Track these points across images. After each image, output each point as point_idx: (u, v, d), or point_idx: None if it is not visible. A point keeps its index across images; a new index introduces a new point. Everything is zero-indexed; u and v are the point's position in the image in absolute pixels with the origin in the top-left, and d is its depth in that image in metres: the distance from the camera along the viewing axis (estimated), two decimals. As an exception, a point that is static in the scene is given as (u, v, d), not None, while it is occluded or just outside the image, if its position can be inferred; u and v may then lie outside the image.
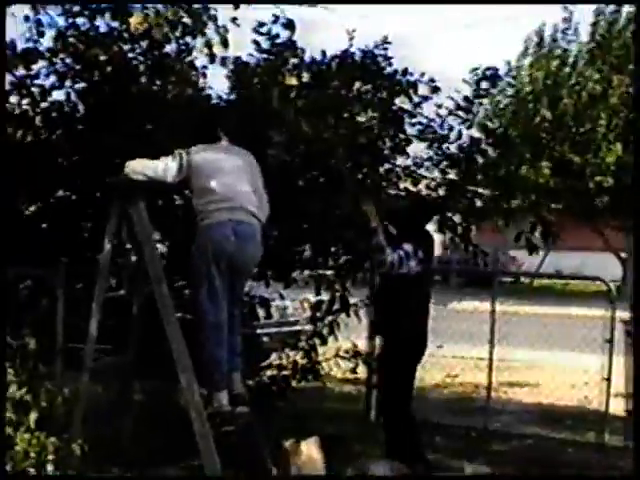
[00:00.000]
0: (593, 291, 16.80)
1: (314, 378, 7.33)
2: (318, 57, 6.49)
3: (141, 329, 5.82)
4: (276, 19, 6.29)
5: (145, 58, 6.41)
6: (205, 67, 6.22)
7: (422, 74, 6.85)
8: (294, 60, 6.30)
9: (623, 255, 25.07)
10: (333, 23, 7.39)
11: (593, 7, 23.55)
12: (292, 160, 5.68)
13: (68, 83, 6.57)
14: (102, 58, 6.30)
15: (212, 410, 5.27)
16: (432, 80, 6.87)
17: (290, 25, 6.26)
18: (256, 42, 6.45)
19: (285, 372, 7.26)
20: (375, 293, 6.73)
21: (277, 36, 6.36)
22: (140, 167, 5.32)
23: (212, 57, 6.13)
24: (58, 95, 6.58)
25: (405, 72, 6.79)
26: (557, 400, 9.18)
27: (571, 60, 24.42)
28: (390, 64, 6.88)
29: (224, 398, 5.32)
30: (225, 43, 5.84)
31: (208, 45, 5.87)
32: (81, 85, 6.53)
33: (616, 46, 22.75)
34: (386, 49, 6.89)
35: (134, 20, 5.81)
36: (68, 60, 6.50)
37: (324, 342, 7.30)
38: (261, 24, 6.36)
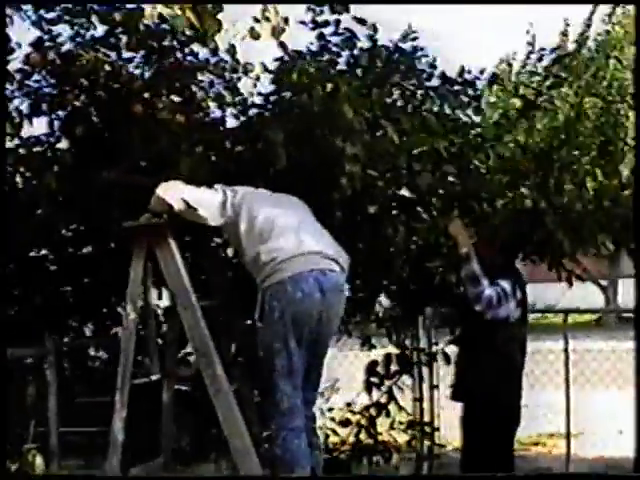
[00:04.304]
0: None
1: (384, 460, 5.85)
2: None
3: (173, 422, 4.36)
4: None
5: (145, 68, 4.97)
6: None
7: (482, 70, 5.45)
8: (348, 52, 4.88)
9: (604, 283, 24.25)
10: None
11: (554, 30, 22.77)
12: (376, 178, 4.26)
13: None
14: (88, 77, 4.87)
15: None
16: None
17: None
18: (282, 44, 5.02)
19: (342, 456, 5.76)
20: (457, 344, 5.26)
21: (326, 23, 4.88)
22: (188, 196, 3.83)
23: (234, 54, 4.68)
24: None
25: (462, 71, 5.32)
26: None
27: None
28: (426, 55, 5.38)
29: None
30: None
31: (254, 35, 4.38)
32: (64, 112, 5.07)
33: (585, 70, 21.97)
34: (416, 39, 5.38)
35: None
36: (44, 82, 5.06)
37: (386, 413, 5.80)
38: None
